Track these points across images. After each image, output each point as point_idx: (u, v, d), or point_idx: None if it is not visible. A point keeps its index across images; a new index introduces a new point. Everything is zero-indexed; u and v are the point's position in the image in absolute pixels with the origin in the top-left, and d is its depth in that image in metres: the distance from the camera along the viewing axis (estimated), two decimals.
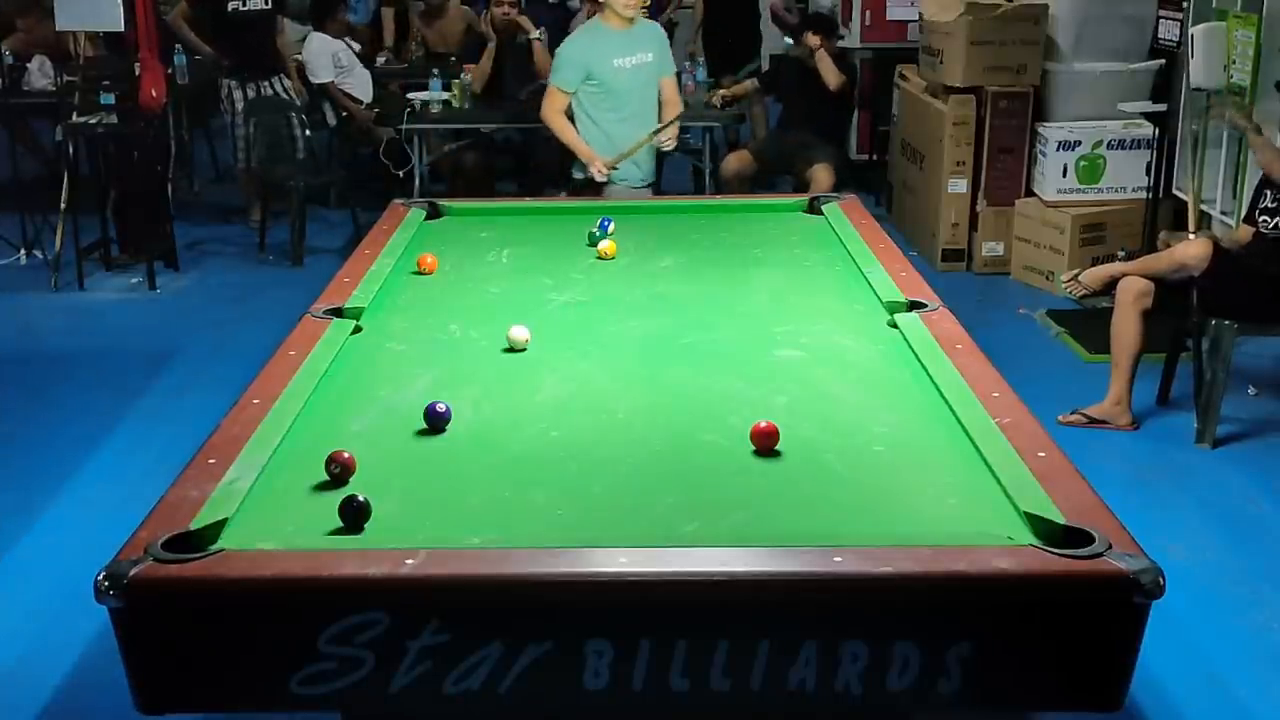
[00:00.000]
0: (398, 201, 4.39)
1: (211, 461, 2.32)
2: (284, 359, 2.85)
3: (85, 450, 4.61)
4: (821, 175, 6.60)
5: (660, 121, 5.49)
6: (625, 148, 5.38)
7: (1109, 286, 4.74)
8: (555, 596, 1.95)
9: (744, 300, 3.43)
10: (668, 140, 5.53)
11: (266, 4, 7.38)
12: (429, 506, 2.25)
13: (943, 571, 1.95)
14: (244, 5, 7.34)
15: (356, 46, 8.13)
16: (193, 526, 2.07)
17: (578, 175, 5.56)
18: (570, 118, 5.47)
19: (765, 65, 8.85)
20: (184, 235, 7.20)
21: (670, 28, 9.76)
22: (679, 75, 7.62)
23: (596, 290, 3.51)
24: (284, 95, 7.55)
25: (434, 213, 4.28)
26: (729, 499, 2.27)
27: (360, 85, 7.99)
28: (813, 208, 4.31)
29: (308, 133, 7.43)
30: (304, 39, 7.97)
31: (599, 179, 5.38)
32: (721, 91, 7.31)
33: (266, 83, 7.48)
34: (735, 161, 7.10)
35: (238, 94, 7.44)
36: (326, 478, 2.30)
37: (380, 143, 7.51)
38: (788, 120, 7.30)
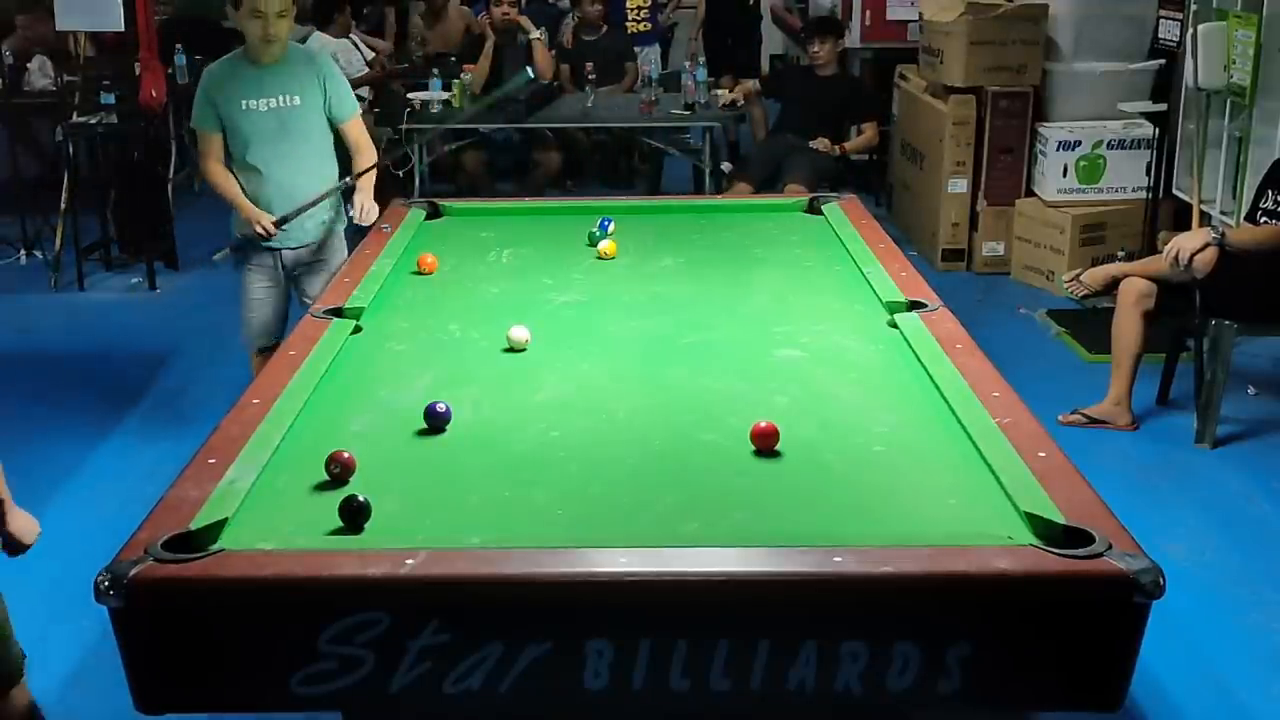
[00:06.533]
0: (398, 201, 4.39)
1: (211, 461, 2.33)
2: (284, 359, 2.86)
3: (85, 450, 4.61)
4: (795, 192, 6.54)
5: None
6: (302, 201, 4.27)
7: (1110, 287, 4.74)
8: (555, 596, 1.95)
9: (744, 300, 3.43)
10: (366, 211, 4.25)
11: None
12: (429, 506, 2.25)
13: (943, 571, 1.95)
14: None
15: (369, 54, 8.10)
16: (193, 527, 2.07)
17: (236, 234, 4.46)
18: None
19: (765, 66, 8.84)
20: (184, 235, 7.19)
21: (670, 28, 9.79)
22: (677, 76, 7.62)
23: (596, 290, 3.51)
24: None
25: (434, 213, 4.28)
26: (729, 499, 2.27)
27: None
28: (813, 208, 4.31)
29: None
30: (304, 39, 7.97)
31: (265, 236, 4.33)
32: (723, 93, 7.30)
33: None
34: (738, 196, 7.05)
35: None
36: (326, 478, 2.30)
37: (380, 143, 7.51)
38: (786, 122, 7.29)
